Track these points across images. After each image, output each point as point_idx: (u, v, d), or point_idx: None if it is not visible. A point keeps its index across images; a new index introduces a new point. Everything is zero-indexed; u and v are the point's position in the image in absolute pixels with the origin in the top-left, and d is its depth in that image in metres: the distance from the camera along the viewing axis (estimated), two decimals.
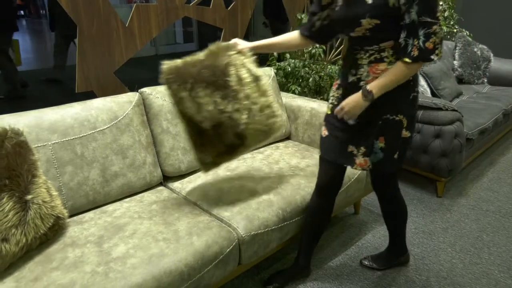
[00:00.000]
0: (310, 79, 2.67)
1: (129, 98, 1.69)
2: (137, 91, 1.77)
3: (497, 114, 2.83)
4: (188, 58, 1.40)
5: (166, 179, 1.81)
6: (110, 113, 1.60)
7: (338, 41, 3.36)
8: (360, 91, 1.28)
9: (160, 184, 1.79)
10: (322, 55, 2.79)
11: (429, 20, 1.15)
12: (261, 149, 2.11)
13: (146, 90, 1.77)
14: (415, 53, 1.19)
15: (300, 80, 2.69)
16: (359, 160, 1.39)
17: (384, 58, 1.26)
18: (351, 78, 1.34)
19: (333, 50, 3.38)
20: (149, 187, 1.71)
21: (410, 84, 1.29)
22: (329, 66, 2.79)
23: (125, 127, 1.62)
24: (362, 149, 1.38)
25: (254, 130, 1.39)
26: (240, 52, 1.41)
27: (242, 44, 1.45)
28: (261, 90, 1.40)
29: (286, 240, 1.65)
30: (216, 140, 1.41)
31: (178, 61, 1.39)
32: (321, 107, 2.14)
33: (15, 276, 1.15)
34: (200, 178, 1.77)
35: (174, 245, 1.30)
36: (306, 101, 2.23)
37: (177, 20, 2.29)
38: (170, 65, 1.38)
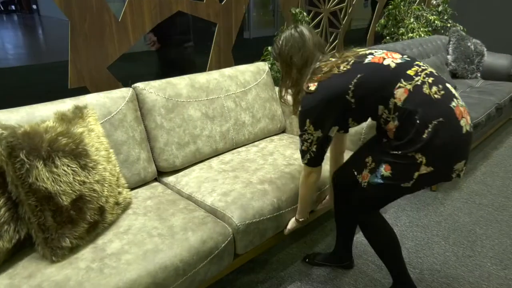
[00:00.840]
0: None
1: (122, 94, 1.68)
2: (131, 87, 1.76)
3: (490, 109, 2.85)
4: (36, 124, 1.23)
5: (161, 174, 1.80)
6: (104, 108, 1.59)
7: (333, 35, 3.36)
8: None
9: (155, 179, 1.78)
10: None
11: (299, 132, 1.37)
12: (256, 142, 2.11)
13: (139, 85, 1.76)
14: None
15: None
16: (365, 172, 1.40)
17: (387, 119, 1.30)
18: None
19: (328, 45, 3.38)
20: (143, 183, 1.70)
21: (417, 125, 1.22)
22: None
23: (118, 122, 1.61)
24: (373, 164, 1.37)
25: (112, 204, 1.37)
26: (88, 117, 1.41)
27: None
28: (111, 159, 1.42)
29: (282, 229, 1.65)
30: (77, 217, 1.23)
31: (25, 126, 1.19)
32: None
33: (8, 273, 1.14)
34: (194, 172, 1.77)
35: (169, 240, 1.30)
36: None
37: (171, 15, 2.26)
38: (14, 130, 1.15)
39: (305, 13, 2.78)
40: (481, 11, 4.59)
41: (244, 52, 3.10)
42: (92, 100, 1.58)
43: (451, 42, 3.67)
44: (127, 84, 1.86)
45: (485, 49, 3.74)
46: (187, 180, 1.72)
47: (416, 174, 1.26)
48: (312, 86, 1.31)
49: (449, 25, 4.07)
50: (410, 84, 1.23)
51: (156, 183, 1.73)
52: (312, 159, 1.40)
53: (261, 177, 1.69)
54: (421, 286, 1.71)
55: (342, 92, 1.28)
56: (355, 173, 1.45)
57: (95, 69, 1.88)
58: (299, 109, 1.35)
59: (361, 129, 1.92)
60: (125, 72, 2.25)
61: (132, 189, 1.65)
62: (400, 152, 1.26)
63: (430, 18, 3.92)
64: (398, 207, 2.31)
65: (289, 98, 1.48)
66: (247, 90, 2.11)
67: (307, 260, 1.86)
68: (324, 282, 1.73)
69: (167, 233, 1.33)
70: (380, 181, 1.33)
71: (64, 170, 1.19)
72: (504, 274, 1.77)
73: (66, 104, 1.52)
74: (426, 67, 1.29)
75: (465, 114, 1.26)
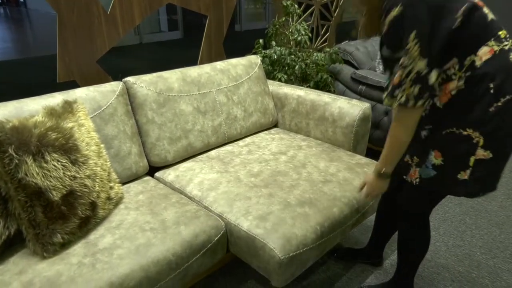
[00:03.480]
0: (296, 67, 2.67)
1: (112, 88, 1.66)
2: (121, 81, 1.74)
3: None
4: (25, 119, 1.22)
5: (153, 169, 1.79)
6: (93, 103, 1.57)
7: (324, 28, 3.35)
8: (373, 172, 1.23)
9: (147, 174, 1.77)
10: (308, 43, 2.78)
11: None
12: (248, 137, 2.10)
13: (130, 79, 1.74)
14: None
15: (286, 68, 2.68)
16: (413, 169, 1.22)
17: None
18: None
19: (319, 38, 3.38)
20: (135, 178, 1.69)
21: (489, 93, 1.05)
22: (315, 54, 2.79)
23: (109, 117, 1.59)
24: (416, 158, 1.20)
25: (104, 199, 1.36)
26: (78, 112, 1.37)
27: None
28: (102, 154, 1.40)
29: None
30: (68, 212, 1.22)
31: (14, 120, 1.18)
32: (307, 94, 2.14)
33: None
34: (187, 168, 1.77)
35: (161, 234, 1.29)
36: (293, 89, 2.23)
37: (161, 8, 2.24)
38: (2, 124, 1.14)
39: (296, 6, 2.77)
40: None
41: (235, 45, 3.09)
42: (82, 94, 1.56)
43: None
44: (117, 78, 1.84)
45: None
46: (176, 175, 1.71)
47: (472, 159, 1.08)
48: None
49: None
50: (498, 46, 1.05)
51: (148, 178, 1.72)
52: (410, 101, 1.05)
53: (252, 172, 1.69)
54: None
55: (451, 10, 1.02)
56: (403, 177, 1.26)
57: (84, 62, 1.86)
58: (396, 9, 1.02)
59: (353, 122, 1.93)
60: (116, 66, 2.23)
61: (123, 183, 1.64)
62: (453, 128, 1.08)
63: None
64: None
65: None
66: (239, 84, 2.10)
67: (335, 255, 1.84)
68: (316, 273, 1.74)
69: (159, 227, 1.33)
70: (432, 172, 1.15)
71: (54, 165, 1.18)
72: (493, 263, 1.81)
73: (55, 99, 1.50)
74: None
75: None
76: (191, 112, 1.86)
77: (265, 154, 1.86)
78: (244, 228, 1.36)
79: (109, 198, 1.40)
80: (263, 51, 2.69)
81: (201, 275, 1.46)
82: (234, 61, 2.18)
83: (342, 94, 2.87)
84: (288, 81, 2.66)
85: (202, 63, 2.41)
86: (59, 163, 1.19)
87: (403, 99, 1.06)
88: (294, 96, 2.19)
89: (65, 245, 1.23)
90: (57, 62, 1.77)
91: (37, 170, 1.14)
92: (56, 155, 1.19)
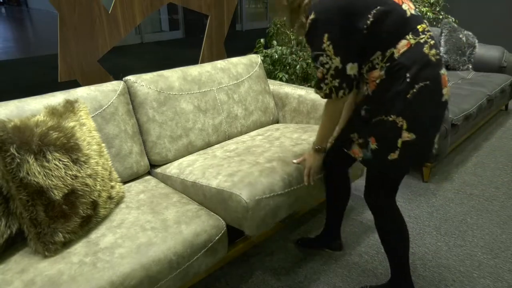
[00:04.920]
0: (297, 66, 2.66)
1: (113, 87, 1.66)
2: (122, 80, 1.74)
3: (482, 100, 2.87)
4: (26, 118, 1.23)
5: (154, 168, 1.79)
6: (95, 102, 1.57)
7: None
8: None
9: (148, 173, 1.77)
10: None
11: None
12: (249, 134, 2.11)
13: (131, 78, 1.74)
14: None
15: (288, 67, 2.68)
16: (355, 147, 1.37)
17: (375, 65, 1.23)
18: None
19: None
20: (136, 177, 1.70)
21: (405, 82, 1.18)
22: None
23: (110, 116, 1.60)
24: (360, 139, 1.34)
25: (105, 198, 1.36)
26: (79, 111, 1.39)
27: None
28: (103, 153, 1.40)
29: (294, 210, 1.58)
30: (69, 211, 1.22)
31: (15, 120, 1.19)
32: (308, 94, 2.14)
33: (0, 268, 1.14)
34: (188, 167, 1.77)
35: (162, 234, 1.29)
36: (294, 88, 2.23)
37: (162, 7, 2.24)
38: (4, 124, 1.15)
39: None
40: (473, 2, 4.60)
41: (236, 44, 3.09)
42: (83, 94, 1.56)
43: (443, 34, 3.68)
44: (118, 77, 1.84)
45: (476, 40, 3.76)
46: (178, 169, 1.71)
47: (400, 141, 1.23)
48: None
49: (441, 16, 4.08)
50: (414, 39, 1.18)
51: (149, 177, 1.73)
52: (332, 93, 1.26)
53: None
54: (413, 275, 1.73)
55: (361, 13, 1.16)
56: (345, 150, 1.43)
57: (85, 62, 1.86)
58: (311, 16, 1.19)
59: None
60: (117, 65, 2.23)
61: (124, 183, 1.64)
62: (381, 116, 1.22)
63: (422, 9, 3.93)
64: None
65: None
66: (239, 83, 2.10)
67: (299, 242, 1.91)
68: (317, 273, 1.74)
69: (160, 226, 1.33)
70: (370, 155, 1.31)
71: (56, 165, 1.18)
72: (494, 263, 1.80)
73: (56, 98, 1.50)
74: (430, 29, 1.24)
75: (447, 84, 1.25)
76: (192, 110, 1.86)
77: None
78: (213, 185, 1.47)
79: (110, 197, 1.40)
80: (264, 50, 2.69)
81: (202, 275, 1.46)
82: (234, 60, 2.18)
83: None
84: (289, 81, 2.66)
85: (203, 62, 2.41)
86: (60, 162, 1.19)
87: (327, 91, 1.26)
88: (295, 95, 2.19)
89: (66, 244, 1.23)
90: (59, 61, 1.77)
91: (38, 169, 1.14)
92: (57, 154, 1.19)
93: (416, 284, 1.67)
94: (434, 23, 4.11)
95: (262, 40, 2.70)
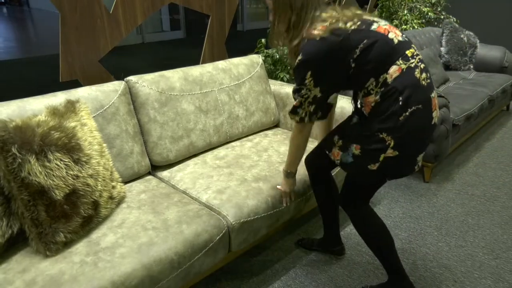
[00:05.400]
0: None
1: (115, 87, 1.66)
2: (123, 80, 1.74)
3: (483, 100, 2.87)
4: (28, 118, 1.23)
5: (155, 168, 1.80)
6: (96, 102, 1.57)
7: None
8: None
9: (149, 173, 1.78)
10: None
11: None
12: (250, 137, 2.11)
13: (132, 78, 1.74)
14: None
15: (289, 67, 2.68)
16: (335, 150, 1.42)
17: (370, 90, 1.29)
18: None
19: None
20: (137, 177, 1.70)
21: (398, 105, 1.23)
22: None
23: (111, 116, 1.60)
24: (340, 142, 1.40)
25: (106, 198, 1.36)
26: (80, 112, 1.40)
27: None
28: (104, 153, 1.41)
29: (277, 226, 1.66)
30: (70, 211, 1.23)
31: (17, 120, 1.19)
32: None
33: (2, 268, 1.14)
34: (189, 167, 1.77)
35: (163, 233, 1.30)
36: None
37: (163, 7, 2.24)
38: (5, 124, 1.15)
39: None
40: (474, 2, 4.60)
41: (237, 44, 3.09)
42: (84, 94, 1.56)
43: (444, 34, 3.68)
44: (119, 77, 1.84)
45: (478, 41, 3.76)
46: (181, 176, 1.72)
47: (382, 156, 1.29)
48: (318, 32, 1.23)
49: (442, 17, 4.08)
50: (405, 64, 1.24)
51: (150, 177, 1.73)
52: (306, 117, 1.37)
53: (256, 174, 1.69)
54: (414, 276, 1.73)
55: (348, 51, 1.23)
56: (326, 152, 1.48)
57: (86, 62, 1.86)
58: (299, 57, 1.27)
59: None
60: (118, 65, 2.24)
61: (125, 183, 1.64)
62: (372, 131, 1.28)
63: (423, 10, 3.93)
64: (392, 199, 2.33)
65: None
66: (240, 83, 2.10)
67: (299, 243, 1.90)
68: (318, 273, 1.74)
69: (161, 226, 1.33)
70: (351, 159, 1.36)
71: (57, 165, 1.18)
72: (495, 264, 1.80)
73: (57, 98, 1.50)
74: (419, 53, 1.31)
75: (437, 107, 1.31)
76: (193, 111, 1.86)
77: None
78: (203, 200, 1.54)
79: (111, 197, 1.40)
80: (265, 50, 2.69)
81: (203, 274, 1.46)
82: (236, 60, 2.18)
83: (344, 93, 2.86)
84: (290, 81, 2.66)
85: (204, 62, 2.41)
86: (62, 162, 1.19)
87: (303, 115, 1.36)
88: None
89: (67, 244, 1.23)
90: (60, 61, 1.78)
91: (40, 169, 1.15)
92: (59, 154, 1.19)
93: (417, 285, 1.67)
94: (436, 23, 4.11)
95: (263, 40, 2.70)
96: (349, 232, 2.01)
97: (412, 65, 1.24)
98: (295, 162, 1.54)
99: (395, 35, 1.26)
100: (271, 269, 1.77)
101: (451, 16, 4.03)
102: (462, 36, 3.67)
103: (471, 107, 2.70)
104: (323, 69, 1.26)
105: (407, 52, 1.25)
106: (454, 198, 2.34)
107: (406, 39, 1.29)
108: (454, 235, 2.01)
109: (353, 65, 1.25)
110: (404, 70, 1.23)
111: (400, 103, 1.22)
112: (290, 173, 1.56)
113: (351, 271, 1.76)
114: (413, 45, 1.30)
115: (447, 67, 3.65)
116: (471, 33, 3.75)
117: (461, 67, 3.67)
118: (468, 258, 1.84)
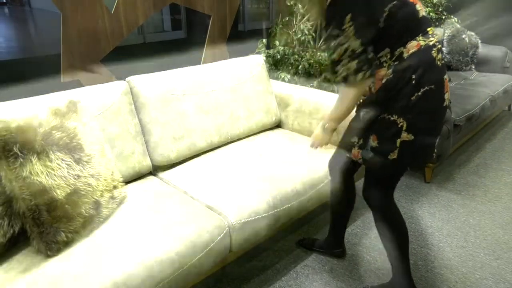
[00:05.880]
0: (300, 67, 2.66)
1: (116, 87, 1.66)
2: (125, 80, 1.74)
3: (484, 101, 2.86)
4: (29, 118, 1.23)
5: (156, 168, 1.80)
6: (97, 102, 1.57)
7: None
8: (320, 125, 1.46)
9: (150, 173, 1.78)
10: (312, 42, 2.77)
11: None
12: (251, 137, 2.10)
13: (133, 78, 1.74)
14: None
15: (290, 68, 2.68)
16: (355, 150, 1.38)
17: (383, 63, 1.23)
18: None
19: (323, 37, 3.36)
20: (138, 177, 1.70)
21: (411, 83, 1.19)
22: (318, 53, 2.78)
23: (112, 116, 1.60)
24: (358, 140, 1.36)
25: (107, 198, 1.37)
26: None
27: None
28: (105, 153, 1.41)
29: (277, 227, 1.66)
30: (72, 211, 1.22)
31: (18, 120, 1.19)
32: (310, 94, 2.14)
33: (3, 267, 1.14)
34: (190, 167, 1.77)
35: (164, 233, 1.30)
36: (296, 89, 2.22)
37: (164, 7, 2.24)
38: (7, 124, 1.14)
39: (300, 5, 2.76)
40: (476, 3, 4.59)
41: (238, 44, 3.08)
42: (86, 94, 1.57)
43: (445, 34, 3.67)
44: (120, 77, 1.84)
45: (479, 41, 3.75)
46: (182, 176, 1.72)
47: (398, 141, 1.25)
48: None
49: (443, 17, 4.07)
50: (424, 41, 1.20)
51: (151, 177, 1.73)
52: (349, 74, 1.19)
53: (258, 175, 1.69)
54: (415, 276, 1.73)
55: (382, 3, 1.16)
56: (347, 155, 1.44)
57: (88, 62, 1.86)
58: None
59: None
60: (119, 65, 2.24)
61: (127, 182, 1.64)
62: (383, 113, 1.24)
63: (425, 10, 3.91)
64: None
65: None
66: (242, 83, 2.10)
67: (300, 243, 1.89)
68: (319, 273, 1.74)
69: (162, 226, 1.33)
70: (371, 154, 1.32)
71: (58, 164, 1.18)
72: (496, 264, 1.80)
73: (59, 98, 1.50)
74: (437, 34, 1.27)
75: (448, 89, 1.28)
76: (194, 111, 1.86)
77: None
78: (204, 200, 1.52)
79: (112, 197, 1.40)
80: (266, 50, 2.69)
81: (204, 274, 1.46)
82: (237, 60, 2.18)
83: None
84: (291, 81, 2.66)
85: (205, 62, 2.41)
86: (63, 162, 1.20)
87: (344, 73, 1.19)
88: (297, 96, 2.19)
89: (68, 244, 1.23)
90: (61, 61, 1.78)
91: (41, 169, 1.15)
92: (60, 154, 1.20)
93: (419, 285, 1.67)
94: (437, 23, 4.10)
95: (264, 40, 2.70)
96: (349, 232, 2.01)
97: (431, 43, 1.21)
98: (337, 120, 1.41)
99: (421, 8, 1.23)
100: (272, 269, 1.77)
101: (452, 17, 4.02)
102: (463, 36, 3.67)
103: (472, 108, 2.69)
104: (363, 15, 1.14)
105: (428, 29, 1.22)
106: (455, 199, 2.34)
107: (429, 16, 1.27)
108: (455, 235, 2.00)
109: (380, 25, 1.16)
110: (422, 46, 1.19)
111: (413, 82, 1.18)
112: (327, 128, 1.45)
113: (352, 271, 1.76)
114: (432, 24, 1.26)
115: (448, 67, 3.64)
116: (473, 34, 3.74)
117: (463, 67, 3.66)
118: (470, 259, 1.84)
